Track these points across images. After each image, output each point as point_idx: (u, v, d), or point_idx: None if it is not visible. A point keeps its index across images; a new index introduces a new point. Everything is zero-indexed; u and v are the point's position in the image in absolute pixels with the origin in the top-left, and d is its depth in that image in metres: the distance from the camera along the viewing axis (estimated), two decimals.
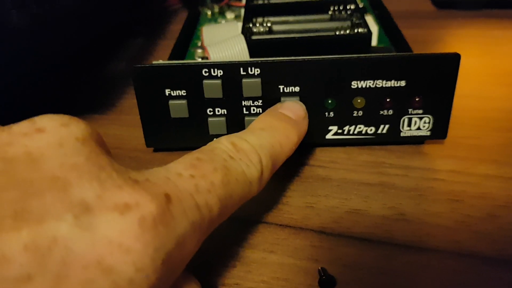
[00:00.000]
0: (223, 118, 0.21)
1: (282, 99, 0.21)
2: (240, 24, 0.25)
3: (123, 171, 0.12)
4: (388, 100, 0.21)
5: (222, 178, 0.14)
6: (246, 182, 0.15)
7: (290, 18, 0.26)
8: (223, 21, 0.30)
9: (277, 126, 0.18)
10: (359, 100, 0.21)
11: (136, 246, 0.11)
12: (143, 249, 0.11)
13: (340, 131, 0.22)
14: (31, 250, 0.10)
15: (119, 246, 0.10)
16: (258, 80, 0.20)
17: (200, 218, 0.13)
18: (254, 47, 0.23)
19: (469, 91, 0.26)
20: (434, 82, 0.20)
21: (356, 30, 0.23)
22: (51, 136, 0.12)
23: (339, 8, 0.26)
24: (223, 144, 0.16)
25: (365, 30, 0.23)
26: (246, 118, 0.21)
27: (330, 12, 0.26)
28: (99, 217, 0.11)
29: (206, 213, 0.13)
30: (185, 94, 0.21)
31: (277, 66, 0.20)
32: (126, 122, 0.26)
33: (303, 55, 0.20)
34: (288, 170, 0.21)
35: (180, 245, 0.12)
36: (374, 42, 0.25)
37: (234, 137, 0.17)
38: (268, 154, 0.17)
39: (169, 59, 0.24)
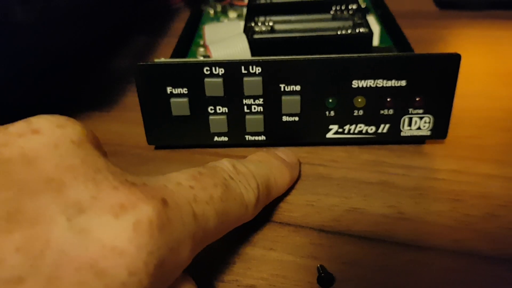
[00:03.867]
0: (224, 117, 0.21)
1: (283, 97, 0.21)
2: (242, 23, 0.25)
3: (120, 173, 0.12)
4: (388, 99, 0.21)
5: (221, 194, 0.14)
6: (243, 204, 0.16)
7: (292, 18, 0.26)
8: (226, 20, 0.31)
9: (273, 162, 0.19)
10: (359, 100, 0.21)
11: (129, 250, 0.11)
12: (136, 252, 0.11)
13: (340, 130, 0.22)
14: (23, 252, 0.10)
15: (112, 250, 0.10)
16: (259, 78, 0.20)
17: (196, 227, 0.13)
18: (256, 45, 0.23)
19: (471, 91, 0.26)
20: (435, 82, 0.20)
21: (357, 30, 0.23)
22: (46, 138, 0.11)
23: (341, 8, 0.26)
24: (225, 165, 0.16)
25: (367, 30, 0.23)
26: (247, 117, 0.21)
27: (332, 12, 0.26)
28: (93, 219, 0.11)
29: (202, 223, 0.13)
30: (186, 92, 0.21)
31: (278, 65, 0.20)
32: (128, 119, 0.26)
33: (304, 54, 0.20)
34: None
35: (174, 251, 0.12)
36: (376, 42, 0.25)
37: (234, 161, 0.17)
38: (264, 182, 0.17)
39: (171, 57, 0.24)
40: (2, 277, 0.09)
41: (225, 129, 0.22)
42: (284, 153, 0.20)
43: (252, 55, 0.23)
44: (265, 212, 0.19)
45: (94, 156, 0.12)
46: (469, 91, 0.26)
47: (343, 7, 0.26)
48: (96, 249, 0.10)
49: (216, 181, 0.15)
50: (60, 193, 0.11)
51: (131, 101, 0.28)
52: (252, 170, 0.17)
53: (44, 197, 0.10)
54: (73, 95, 0.30)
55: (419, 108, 0.21)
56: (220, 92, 0.21)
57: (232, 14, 0.32)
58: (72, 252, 0.10)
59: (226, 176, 0.16)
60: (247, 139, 0.22)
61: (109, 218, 0.11)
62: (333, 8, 0.26)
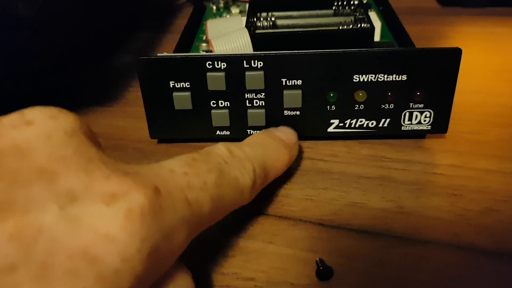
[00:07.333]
0: (226, 110, 0.22)
1: (284, 92, 0.21)
2: (244, 19, 0.26)
3: (113, 163, 0.12)
4: (389, 94, 0.21)
5: (215, 179, 0.14)
6: (238, 188, 0.16)
7: (294, 13, 0.26)
8: (228, 16, 0.31)
9: (271, 143, 0.19)
10: (360, 94, 0.21)
11: (122, 236, 0.11)
12: (129, 239, 0.11)
13: (341, 124, 0.22)
14: (16, 240, 0.10)
15: (105, 236, 0.10)
16: (261, 73, 0.20)
17: (189, 213, 0.13)
18: (258, 41, 0.23)
19: (472, 86, 0.26)
20: (436, 77, 0.20)
21: (359, 25, 0.23)
22: (39, 129, 0.12)
23: (342, 3, 0.26)
24: (220, 149, 0.16)
25: (368, 25, 0.23)
26: (249, 111, 0.22)
27: (333, 8, 0.26)
28: (85, 207, 0.11)
29: (196, 210, 0.13)
30: (189, 86, 0.21)
31: (280, 59, 0.20)
32: (130, 114, 0.26)
33: (306, 50, 0.20)
34: None
35: (168, 237, 0.12)
36: (377, 37, 0.25)
37: (230, 144, 0.17)
38: (261, 165, 0.17)
39: (174, 52, 0.24)
40: None
41: (227, 123, 0.22)
42: (283, 132, 0.20)
43: (254, 50, 0.23)
44: (264, 206, 0.19)
45: (87, 147, 0.12)
46: (470, 87, 0.26)
47: (344, 3, 0.26)
48: (88, 236, 0.10)
49: (210, 166, 0.15)
50: (52, 183, 0.11)
51: (134, 96, 0.28)
52: (248, 153, 0.17)
53: (36, 187, 0.10)
54: (76, 90, 0.30)
55: (420, 103, 0.21)
56: (222, 86, 0.21)
57: (235, 9, 0.32)
58: (64, 240, 0.10)
59: (221, 160, 0.15)
60: (249, 133, 0.22)
61: (100, 207, 0.11)
62: (335, 4, 0.26)
